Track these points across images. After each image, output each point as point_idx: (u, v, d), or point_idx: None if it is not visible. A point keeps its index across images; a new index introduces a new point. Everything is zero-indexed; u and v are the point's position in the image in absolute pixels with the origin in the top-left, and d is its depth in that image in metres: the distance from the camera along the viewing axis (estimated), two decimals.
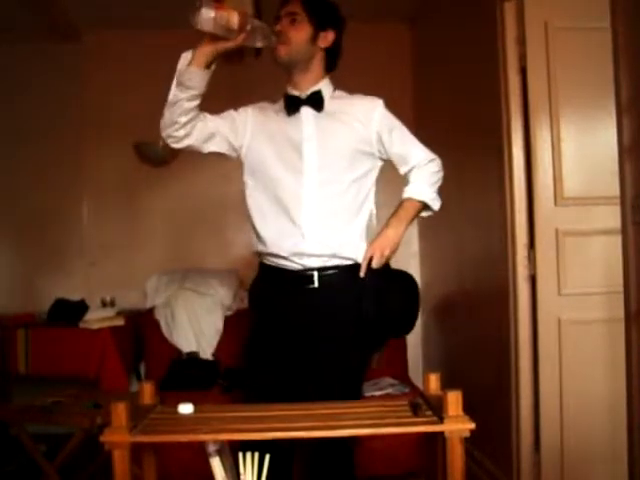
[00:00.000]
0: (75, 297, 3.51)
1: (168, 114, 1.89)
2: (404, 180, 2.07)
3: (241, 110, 2.07)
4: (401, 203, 2.04)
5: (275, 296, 2.03)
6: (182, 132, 1.92)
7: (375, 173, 2.08)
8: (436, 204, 2.05)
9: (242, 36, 1.79)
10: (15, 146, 3.92)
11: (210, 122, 1.98)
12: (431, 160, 2.05)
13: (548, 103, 2.46)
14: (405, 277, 2.04)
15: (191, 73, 1.82)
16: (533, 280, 2.49)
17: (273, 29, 1.91)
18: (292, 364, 2.02)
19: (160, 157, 3.87)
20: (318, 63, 2.03)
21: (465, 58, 3.06)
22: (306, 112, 2.02)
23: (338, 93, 2.08)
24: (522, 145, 2.51)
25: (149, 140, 3.80)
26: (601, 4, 1.77)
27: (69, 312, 3.37)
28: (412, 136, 2.07)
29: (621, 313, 1.65)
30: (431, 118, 3.78)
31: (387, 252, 1.96)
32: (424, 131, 3.88)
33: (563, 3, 2.46)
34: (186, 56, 1.85)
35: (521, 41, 2.49)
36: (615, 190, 1.69)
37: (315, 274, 1.98)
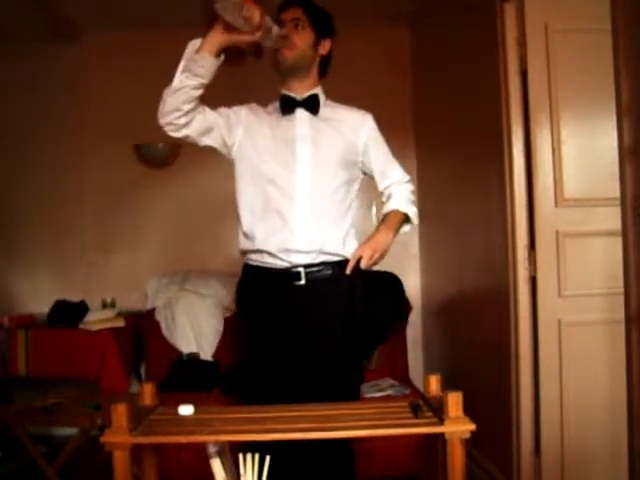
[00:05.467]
0: (75, 298, 3.51)
1: (171, 100, 1.86)
2: (381, 195, 2.20)
3: (235, 108, 2.09)
4: (388, 214, 2.13)
5: (262, 296, 2.03)
6: (183, 120, 1.90)
7: (358, 184, 2.16)
8: (416, 219, 2.17)
9: (259, 33, 1.80)
10: (14, 147, 3.92)
11: (209, 115, 1.99)
12: (408, 180, 2.20)
13: (548, 104, 2.46)
14: (393, 279, 2.07)
15: (203, 59, 1.81)
16: (533, 281, 2.49)
17: (281, 32, 1.93)
18: (287, 364, 2.02)
19: (160, 158, 3.87)
20: (315, 69, 2.10)
21: (465, 60, 3.06)
22: (301, 113, 2.06)
23: (329, 102, 2.14)
24: (522, 147, 2.51)
25: (149, 141, 3.81)
26: (601, 5, 1.77)
27: (69, 313, 3.37)
28: (391, 155, 2.19)
29: (621, 314, 1.65)
30: (431, 120, 3.78)
31: (377, 255, 2.01)
32: (424, 133, 3.91)
33: (563, 5, 2.46)
34: (194, 43, 1.85)
35: (521, 43, 2.49)
36: (615, 191, 1.69)
37: (302, 270, 1.99)
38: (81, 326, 3.29)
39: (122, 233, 3.97)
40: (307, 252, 1.99)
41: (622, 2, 1.58)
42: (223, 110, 2.05)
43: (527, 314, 2.50)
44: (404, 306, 2.07)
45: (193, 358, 3.49)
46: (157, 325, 3.62)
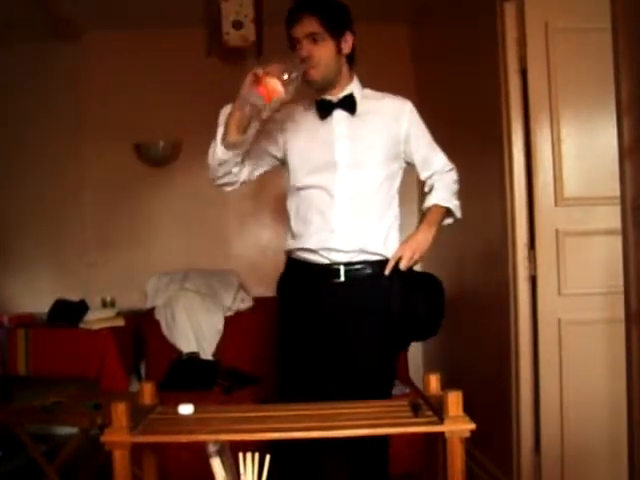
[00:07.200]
0: (75, 297, 3.51)
1: (221, 169, 1.94)
2: (423, 185, 2.15)
3: (274, 118, 2.04)
4: (429, 209, 2.09)
5: (302, 290, 2.05)
6: (235, 178, 2.00)
7: (401, 175, 2.12)
8: (459, 212, 2.13)
9: (289, 92, 1.75)
10: (14, 146, 3.91)
11: (253, 151, 2.01)
12: (451, 169, 2.14)
13: (548, 104, 2.46)
14: (432, 280, 2.04)
15: (235, 142, 1.87)
16: (533, 280, 2.49)
17: (299, 56, 1.88)
18: (320, 358, 2.03)
19: (160, 157, 3.87)
20: (345, 69, 2.06)
21: (465, 59, 3.06)
22: (339, 114, 2.03)
23: (367, 92, 2.10)
24: (522, 146, 2.51)
25: (149, 140, 3.81)
26: (601, 4, 1.77)
27: (69, 312, 3.37)
28: (434, 142, 2.14)
29: (621, 314, 1.65)
30: (431, 119, 3.76)
31: (417, 255, 2.00)
32: None
33: (563, 4, 2.46)
34: (224, 112, 1.88)
35: (521, 42, 2.49)
36: (615, 190, 1.69)
37: (341, 268, 1.99)
38: (81, 325, 3.29)
39: (122, 232, 3.96)
40: (347, 251, 1.99)
41: (622, 1, 1.58)
42: (264, 130, 2.04)
43: (527, 313, 2.50)
44: (441, 307, 2.05)
45: (193, 357, 3.49)
46: (157, 324, 3.61)
